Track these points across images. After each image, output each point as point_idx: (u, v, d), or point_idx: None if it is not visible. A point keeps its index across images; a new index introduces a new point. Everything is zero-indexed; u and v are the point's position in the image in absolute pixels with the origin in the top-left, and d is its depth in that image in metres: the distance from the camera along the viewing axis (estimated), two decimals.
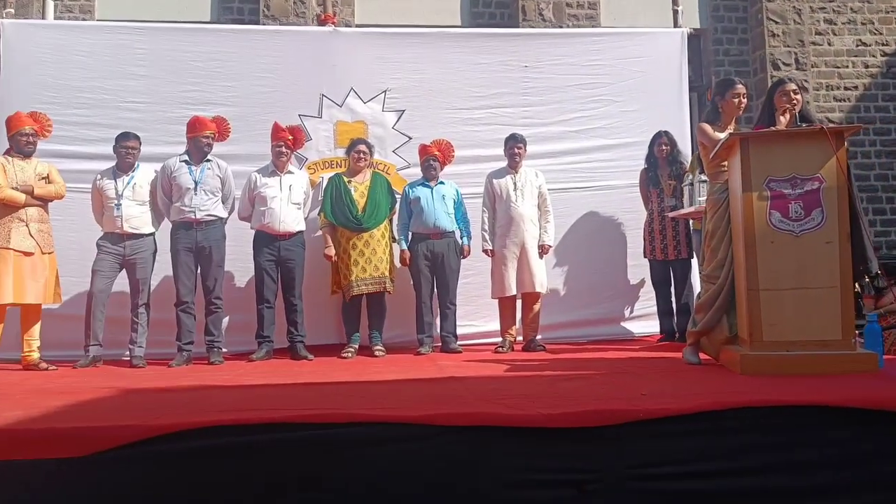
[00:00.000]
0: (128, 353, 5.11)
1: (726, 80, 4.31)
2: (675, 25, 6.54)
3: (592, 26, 9.32)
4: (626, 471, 2.43)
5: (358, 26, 8.98)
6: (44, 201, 4.90)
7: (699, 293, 4.08)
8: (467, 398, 3.01)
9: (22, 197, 4.74)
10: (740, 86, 4.17)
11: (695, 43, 9.40)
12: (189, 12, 8.93)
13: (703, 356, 4.06)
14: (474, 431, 2.44)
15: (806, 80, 9.61)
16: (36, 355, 4.82)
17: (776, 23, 9.62)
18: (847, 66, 9.92)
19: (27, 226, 4.74)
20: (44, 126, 5.00)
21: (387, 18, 9.15)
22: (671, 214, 5.57)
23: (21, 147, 4.85)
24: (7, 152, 4.92)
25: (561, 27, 9.15)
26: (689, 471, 2.45)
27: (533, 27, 9.06)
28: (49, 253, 4.87)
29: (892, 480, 2.52)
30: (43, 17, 8.10)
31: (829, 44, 9.96)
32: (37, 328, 4.86)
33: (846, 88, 9.90)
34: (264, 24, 8.60)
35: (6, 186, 4.72)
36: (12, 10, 6.03)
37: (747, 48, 9.87)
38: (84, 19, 8.72)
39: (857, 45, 9.91)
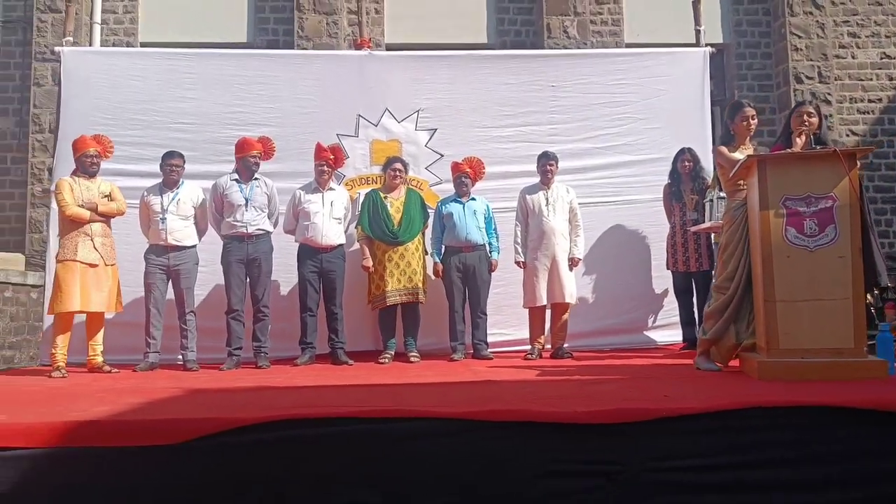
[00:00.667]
0: (180, 357, 5.45)
1: (735, 103, 4.57)
2: (698, 44, 6.79)
3: (616, 43, 9.60)
4: (649, 463, 2.69)
5: (388, 45, 9.34)
6: (106, 217, 5.27)
7: (709, 302, 4.33)
8: (505, 398, 3.31)
9: (87, 214, 5.12)
10: (749, 108, 4.42)
11: (718, 58, 9.61)
12: (227, 33, 9.34)
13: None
14: (513, 427, 2.72)
15: (829, 94, 9.78)
16: (100, 359, 5.20)
17: (799, 37, 9.79)
18: (871, 79, 10.07)
19: (92, 240, 5.12)
20: (106, 148, 5.38)
21: (415, 37, 9.48)
22: (693, 229, 5.81)
23: (86, 168, 5.23)
24: (73, 173, 5.30)
25: (585, 44, 9.44)
26: (706, 464, 2.71)
27: (557, 44, 9.36)
28: (111, 265, 5.24)
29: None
30: (90, 41, 8.60)
31: (853, 57, 10.12)
32: (101, 334, 5.24)
33: (870, 101, 10.04)
34: (299, 45, 9.00)
35: (73, 204, 5.09)
36: (71, 39, 6.41)
37: (770, 62, 10.05)
38: (128, 42, 9.18)
39: (881, 58, 10.05)
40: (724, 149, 4.34)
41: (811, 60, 9.76)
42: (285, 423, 2.66)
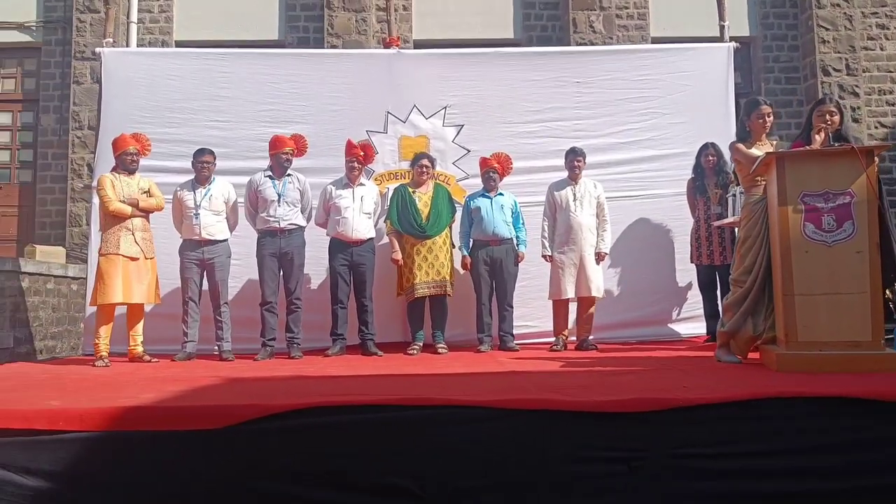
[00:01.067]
0: (216, 348, 5.66)
1: (751, 101, 4.63)
2: (722, 40, 6.84)
3: (642, 37, 9.66)
4: (667, 450, 2.82)
5: (416, 42, 9.49)
6: (146, 212, 5.49)
7: (727, 295, 4.42)
8: (529, 388, 3.45)
9: (128, 209, 5.34)
10: (765, 106, 4.49)
11: (744, 51, 9.60)
12: (259, 31, 9.58)
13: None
14: (538, 415, 2.87)
15: (857, 86, 9.75)
16: (140, 349, 5.42)
17: (827, 29, 9.76)
18: None
19: (133, 234, 5.34)
20: (144, 146, 5.59)
21: (443, 33, 9.63)
22: (716, 223, 5.89)
23: (126, 165, 5.45)
24: (114, 169, 5.53)
25: (611, 38, 9.51)
26: (721, 452, 2.83)
27: (583, 39, 9.44)
28: (151, 258, 5.46)
29: None
30: (127, 40, 8.85)
31: (882, 48, 10.07)
32: (141, 325, 5.47)
33: None
34: (328, 42, 9.19)
35: (115, 200, 5.32)
36: (111, 40, 6.64)
37: (797, 55, 10.03)
38: (164, 40, 9.44)
39: None
40: (741, 145, 4.42)
41: (839, 52, 9.72)
42: (321, 409, 2.83)
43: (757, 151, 4.26)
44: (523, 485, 2.81)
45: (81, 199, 9.03)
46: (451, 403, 2.88)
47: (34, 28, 9.57)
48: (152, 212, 5.54)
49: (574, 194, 5.89)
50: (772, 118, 4.48)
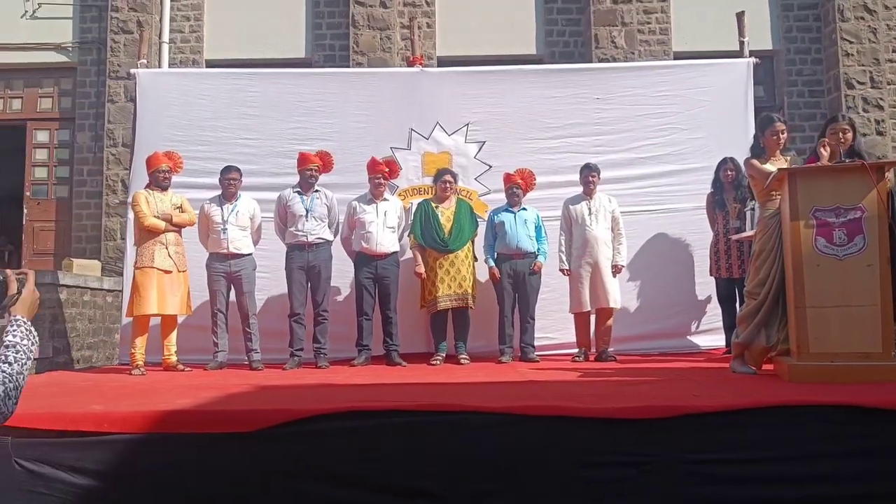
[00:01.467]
0: (245, 358, 5.85)
1: (765, 117, 4.71)
2: (742, 55, 6.94)
3: (664, 52, 9.77)
4: (678, 455, 2.94)
5: (439, 59, 9.70)
6: (179, 227, 5.71)
7: (742, 307, 4.51)
8: (545, 396, 3.59)
9: (162, 224, 5.58)
10: (779, 123, 4.58)
11: (767, 64, 9.70)
12: (286, 49, 9.87)
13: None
14: (551, 421, 3.01)
15: (881, 98, 9.77)
16: (174, 358, 5.64)
17: (850, 42, 9.79)
18: None
19: (166, 248, 5.57)
20: (176, 163, 5.82)
21: (466, 50, 9.84)
22: (734, 237, 5.97)
23: (159, 182, 5.69)
24: (147, 186, 5.77)
25: (633, 53, 9.64)
26: (730, 458, 2.94)
27: (605, 54, 9.57)
28: (183, 271, 5.69)
29: None
30: (159, 60, 9.17)
31: None
32: (174, 335, 5.69)
33: None
34: (354, 59, 9.43)
35: (149, 216, 5.55)
36: (145, 61, 6.92)
37: (821, 68, 10.08)
38: (194, 59, 9.75)
39: None
40: (755, 161, 4.53)
41: (863, 65, 9.75)
42: (348, 414, 2.99)
43: (770, 167, 4.37)
44: (538, 487, 2.95)
45: (116, 214, 9.34)
46: (469, 409, 3.03)
47: (70, 49, 9.94)
48: (185, 227, 5.76)
49: (589, 209, 6.02)
50: (786, 135, 4.58)
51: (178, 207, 5.75)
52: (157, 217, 5.59)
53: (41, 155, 10.10)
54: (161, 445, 3.06)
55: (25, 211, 9.97)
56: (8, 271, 1.95)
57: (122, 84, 9.47)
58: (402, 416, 3.01)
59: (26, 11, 9.83)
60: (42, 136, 10.09)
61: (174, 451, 3.04)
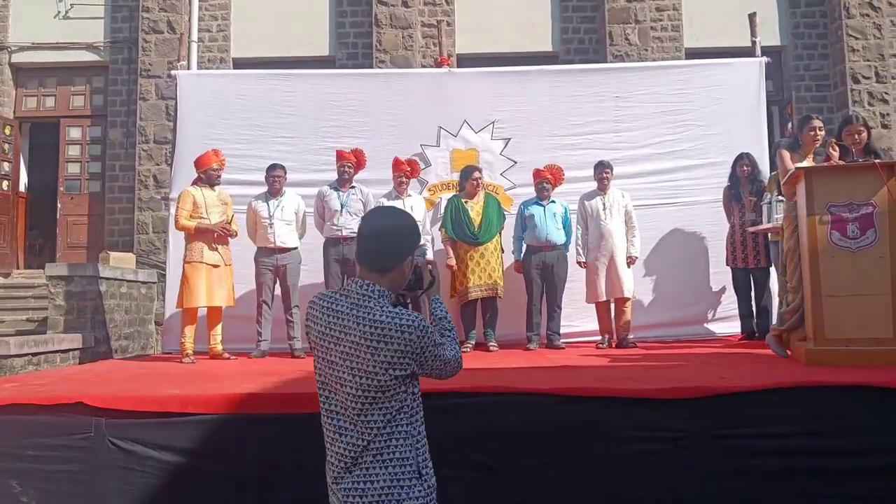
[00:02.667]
0: (287, 346, 6.18)
1: (805, 117, 5.09)
2: (754, 54, 7.22)
3: (676, 48, 10.06)
4: (709, 431, 3.28)
5: (459, 55, 9.99)
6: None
7: (787, 299, 4.82)
8: (581, 378, 3.91)
9: (192, 226, 5.84)
10: (815, 121, 4.91)
11: (776, 59, 9.96)
12: (311, 48, 10.16)
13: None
14: (594, 401, 3.34)
15: (886, 93, 10.03)
16: (220, 347, 5.97)
17: (856, 38, 10.06)
18: None
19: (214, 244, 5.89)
20: (222, 161, 6.13)
21: (485, 47, 10.14)
22: (751, 229, 6.25)
23: (211, 180, 6.00)
24: (195, 182, 6.07)
25: (646, 50, 9.92)
26: (755, 433, 3.28)
27: (619, 51, 9.86)
28: (229, 265, 6.01)
29: None
30: (188, 59, 9.46)
31: None
32: (220, 326, 6.01)
33: None
34: (377, 57, 9.73)
35: (182, 219, 5.85)
36: (184, 63, 7.22)
37: (828, 63, 10.35)
38: (222, 58, 10.05)
39: None
40: (786, 154, 4.82)
41: (868, 61, 10.02)
42: None
43: (791, 165, 4.67)
44: (584, 460, 3.28)
45: (148, 209, 9.68)
46: (520, 391, 3.37)
47: (102, 48, 10.25)
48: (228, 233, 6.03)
49: (604, 204, 6.33)
50: (822, 132, 4.88)
51: (225, 203, 6.06)
52: (208, 227, 5.85)
53: (74, 151, 10.43)
54: (240, 425, 3.39)
55: (59, 205, 10.30)
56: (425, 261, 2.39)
57: (152, 82, 9.79)
58: (461, 396, 3.34)
59: (59, 12, 10.14)
60: (75, 133, 10.41)
61: (252, 429, 3.38)
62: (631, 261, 6.33)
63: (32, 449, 3.41)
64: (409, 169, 6.40)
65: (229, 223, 5.99)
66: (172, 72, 7.22)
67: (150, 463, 3.36)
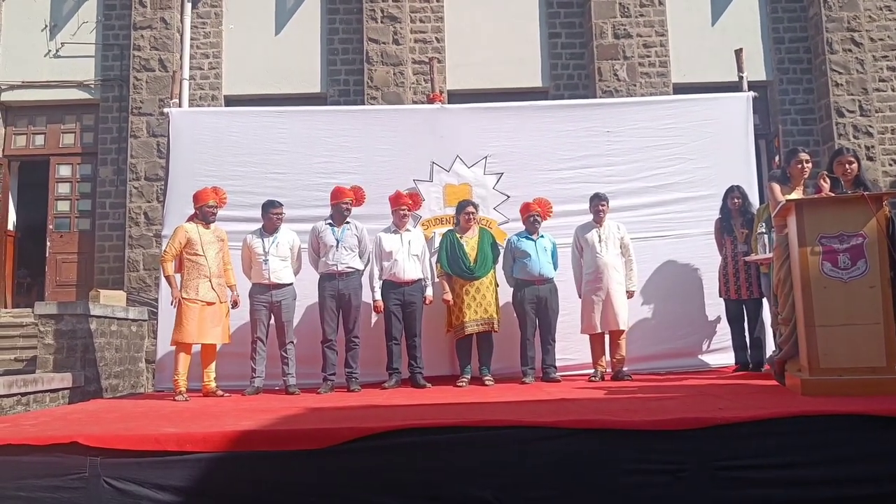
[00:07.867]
0: (281, 383, 6.13)
1: (791, 150, 5.20)
2: (740, 89, 7.35)
3: (664, 83, 10.22)
4: (708, 462, 3.27)
5: (450, 92, 10.11)
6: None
7: (780, 330, 4.85)
8: (581, 411, 3.91)
9: (170, 269, 5.91)
10: (802, 154, 5.02)
11: (762, 93, 10.15)
12: (302, 85, 10.26)
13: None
14: (593, 433, 3.33)
15: (870, 126, 10.22)
16: (214, 385, 5.93)
17: (840, 73, 10.27)
18: None
19: (210, 280, 5.87)
20: (221, 198, 6.14)
21: (475, 83, 10.28)
22: (748, 259, 6.28)
23: (207, 217, 6.00)
24: (190, 219, 6.07)
25: (634, 85, 10.07)
26: (753, 464, 3.27)
27: (608, 87, 10.01)
28: (224, 302, 5.99)
29: None
30: (180, 96, 9.52)
31: (893, 89, 10.57)
32: (214, 363, 5.97)
33: None
34: (368, 94, 9.83)
35: (169, 260, 5.90)
36: (177, 101, 7.27)
37: (812, 97, 10.55)
38: (213, 95, 10.12)
39: None
40: (776, 186, 4.91)
41: (852, 95, 10.21)
42: (412, 430, 3.31)
43: (781, 198, 4.73)
44: (585, 492, 3.26)
45: (139, 246, 9.65)
46: (521, 424, 3.36)
47: (93, 86, 10.30)
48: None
49: (599, 236, 6.38)
50: (810, 164, 4.98)
51: (221, 240, 6.08)
52: (202, 256, 5.89)
53: (63, 189, 10.42)
54: (238, 463, 3.36)
55: (49, 243, 10.26)
56: None
57: (143, 120, 9.84)
58: (460, 431, 3.33)
59: (50, 50, 10.22)
60: (64, 171, 10.41)
61: (251, 467, 3.34)
62: (629, 295, 6.36)
63: (25, 490, 3.36)
64: (410, 202, 6.43)
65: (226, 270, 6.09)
66: (165, 109, 7.27)
67: (145, 503, 3.31)
